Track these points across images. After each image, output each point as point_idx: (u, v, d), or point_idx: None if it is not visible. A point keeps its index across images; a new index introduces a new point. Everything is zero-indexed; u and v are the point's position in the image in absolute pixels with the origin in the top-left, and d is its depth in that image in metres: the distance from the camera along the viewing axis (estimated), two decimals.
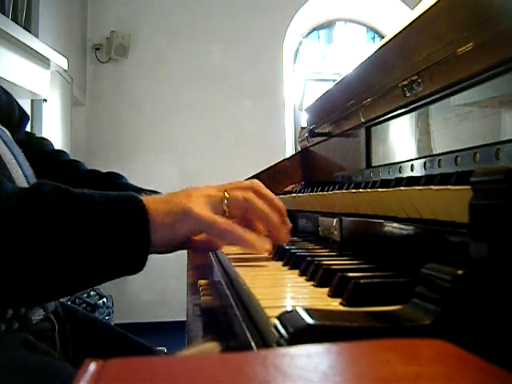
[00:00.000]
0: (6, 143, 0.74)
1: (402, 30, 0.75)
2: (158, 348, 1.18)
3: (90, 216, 0.53)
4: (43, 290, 0.55)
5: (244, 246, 0.59)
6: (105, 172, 0.94)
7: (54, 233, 0.52)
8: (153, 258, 0.58)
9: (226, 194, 0.61)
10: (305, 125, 1.46)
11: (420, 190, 0.45)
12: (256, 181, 0.66)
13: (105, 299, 3.03)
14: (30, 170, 0.77)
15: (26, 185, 0.72)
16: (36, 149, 0.93)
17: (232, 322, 0.48)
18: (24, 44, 2.21)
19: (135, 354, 0.83)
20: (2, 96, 0.85)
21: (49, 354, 0.64)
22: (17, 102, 0.91)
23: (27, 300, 0.58)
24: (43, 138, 1.05)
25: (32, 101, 2.63)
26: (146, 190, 0.86)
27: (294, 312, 0.29)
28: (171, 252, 0.62)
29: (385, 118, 0.87)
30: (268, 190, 0.66)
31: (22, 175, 0.73)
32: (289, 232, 0.66)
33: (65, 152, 1.01)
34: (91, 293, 2.98)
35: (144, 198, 0.58)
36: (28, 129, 1.03)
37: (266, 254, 0.65)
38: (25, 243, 0.51)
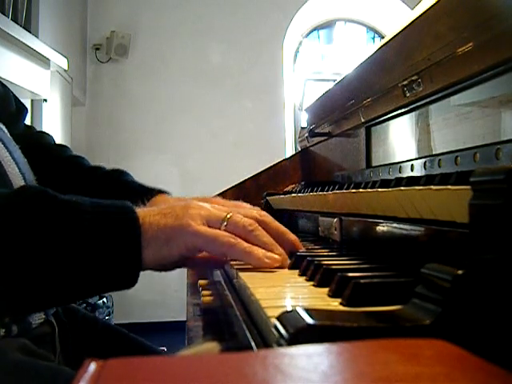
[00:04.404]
0: (1, 139, 0.71)
1: (402, 30, 0.75)
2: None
3: (75, 225, 0.49)
4: (18, 302, 0.50)
5: (250, 261, 0.54)
6: (110, 169, 0.89)
7: (30, 240, 0.48)
8: None
9: (228, 216, 0.55)
10: (305, 125, 1.46)
11: (420, 189, 0.45)
12: (265, 213, 0.61)
13: (105, 299, 3.03)
14: (28, 167, 0.74)
15: (22, 183, 0.70)
16: (36, 142, 0.89)
17: (232, 321, 0.48)
18: (24, 44, 2.21)
19: (137, 353, 0.82)
20: None
21: (47, 358, 0.62)
22: (13, 95, 0.87)
23: (4, 312, 0.54)
24: (44, 132, 1.00)
25: (32, 101, 2.63)
26: (153, 189, 0.82)
27: (293, 312, 0.29)
28: (168, 270, 0.56)
29: (385, 118, 0.87)
30: (278, 223, 0.60)
31: (18, 173, 0.70)
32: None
33: (67, 147, 0.96)
34: None
35: (139, 209, 0.53)
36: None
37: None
38: None
